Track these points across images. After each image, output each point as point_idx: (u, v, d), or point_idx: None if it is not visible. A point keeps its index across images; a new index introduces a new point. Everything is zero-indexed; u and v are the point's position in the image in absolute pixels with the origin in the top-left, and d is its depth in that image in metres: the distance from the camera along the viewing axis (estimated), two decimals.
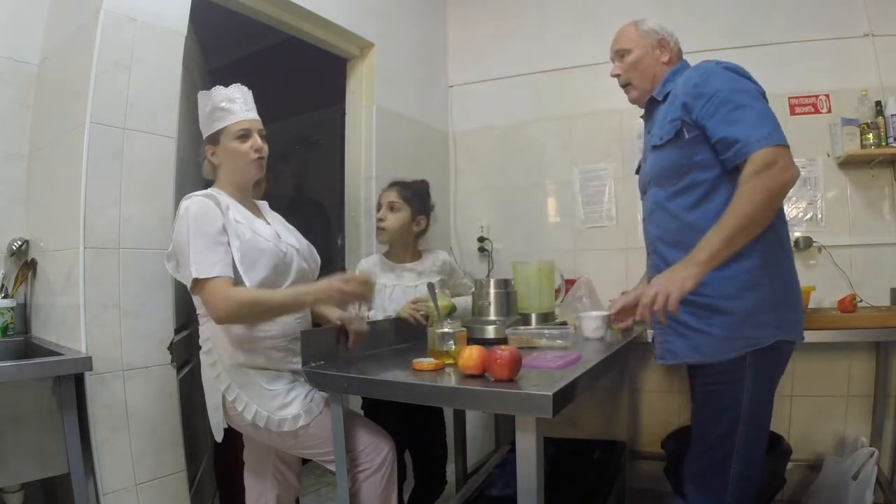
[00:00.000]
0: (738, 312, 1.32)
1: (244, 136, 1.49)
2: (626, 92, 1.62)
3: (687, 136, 1.38)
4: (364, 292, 1.44)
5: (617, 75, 1.61)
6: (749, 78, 1.37)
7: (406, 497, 2.03)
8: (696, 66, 1.43)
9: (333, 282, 1.41)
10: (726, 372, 1.34)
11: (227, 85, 1.55)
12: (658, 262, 1.48)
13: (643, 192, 1.59)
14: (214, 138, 1.51)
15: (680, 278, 1.25)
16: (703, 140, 1.36)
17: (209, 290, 1.32)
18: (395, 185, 2.09)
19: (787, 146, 1.26)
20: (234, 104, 1.50)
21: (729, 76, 1.35)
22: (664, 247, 1.46)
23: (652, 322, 1.32)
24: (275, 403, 1.41)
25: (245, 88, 1.55)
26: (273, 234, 1.50)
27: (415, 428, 1.98)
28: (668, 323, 1.43)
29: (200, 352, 1.49)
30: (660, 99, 1.52)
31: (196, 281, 1.33)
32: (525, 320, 1.96)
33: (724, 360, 1.32)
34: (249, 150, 1.49)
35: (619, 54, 1.60)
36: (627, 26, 1.60)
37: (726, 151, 1.31)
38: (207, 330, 1.46)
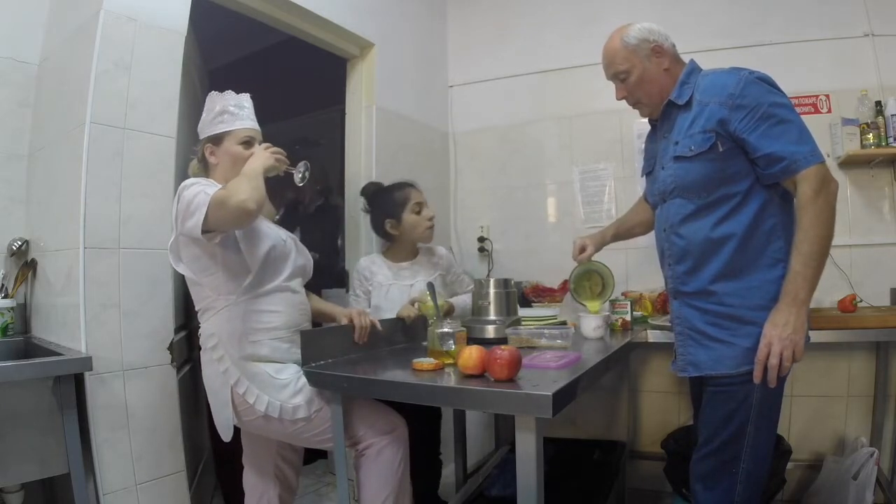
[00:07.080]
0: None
1: (248, 143, 1.54)
2: (638, 109, 1.56)
3: (721, 148, 1.34)
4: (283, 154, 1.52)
5: (623, 97, 1.54)
6: (780, 90, 1.34)
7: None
8: (727, 73, 1.37)
9: (266, 151, 1.48)
10: (739, 374, 1.34)
11: (228, 87, 1.57)
12: (682, 274, 1.45)
13: (660, 200, 1.52)
14: (217, 139, 1.53)
15: (794, 324, 1.25)
16: (737, 152, 1.34)
17: (218, 198, 1.30)
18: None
19: (825, 161, 1.28)
20: (243, 111, 1.55)
21: (765, 87, 1.32)
22: (691, 260, 1.42)
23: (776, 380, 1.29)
24: (286, 392, 1.44)
25: (251, 99, 1.60)
26: (271, 224, 1.58)
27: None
28: (691, 334, 1.44)
29: (202, 351, 1.49)
30: (680, 103, 1.44)
31: (208, 209, 1.30)
32: None
33: (746, 370, 1.32)
34: (249, 157, 1.52)
35: (618, 77, 1.51)
36: (613, 42, 1.49)
37: (770, 167, 1.30)
38: (211, 326, 1.46)
